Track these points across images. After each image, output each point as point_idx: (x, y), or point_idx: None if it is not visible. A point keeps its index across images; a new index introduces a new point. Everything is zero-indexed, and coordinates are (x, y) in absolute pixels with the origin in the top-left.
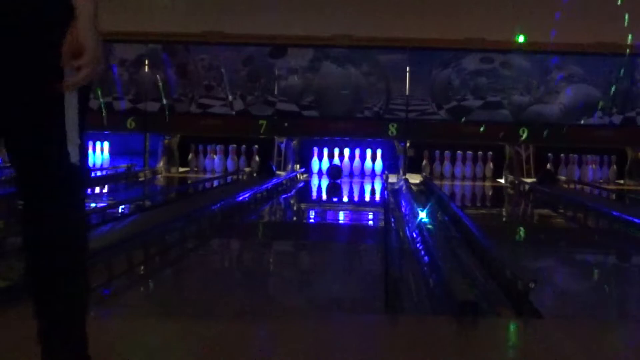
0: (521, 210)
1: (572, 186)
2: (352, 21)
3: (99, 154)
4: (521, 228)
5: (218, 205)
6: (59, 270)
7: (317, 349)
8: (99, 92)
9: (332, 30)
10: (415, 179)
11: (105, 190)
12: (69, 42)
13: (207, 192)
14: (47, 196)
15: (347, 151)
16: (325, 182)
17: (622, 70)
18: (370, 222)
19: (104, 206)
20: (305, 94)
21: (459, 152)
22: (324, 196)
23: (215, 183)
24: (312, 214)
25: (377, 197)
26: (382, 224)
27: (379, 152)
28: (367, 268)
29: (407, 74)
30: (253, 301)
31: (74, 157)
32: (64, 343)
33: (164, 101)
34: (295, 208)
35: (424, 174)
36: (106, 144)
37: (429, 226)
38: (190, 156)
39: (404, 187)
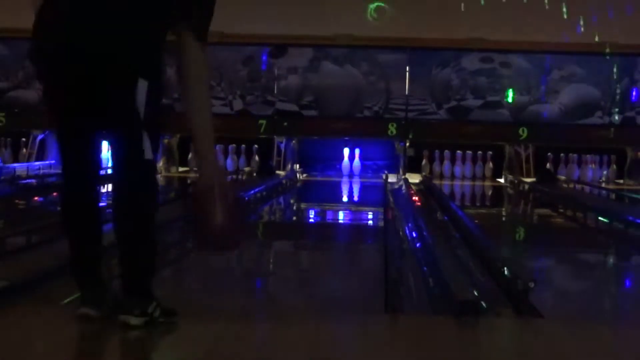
0: (521, 210)
1: (571, 186)
2: (353, 21)
3: None
4: (521, 228)
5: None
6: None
7: (317, 348)
8: None
9: (333, 29)
10: (415, 178)
11: (105, 190)
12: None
13: None
14: (124, 189)
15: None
16: (334, 183)
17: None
18: (370, 222)
19: (103, 206)
20: (305, 93)
21: (458, 151)
22: (324, 196)
23: None
24: (312, 213)
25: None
26: (381, 223)
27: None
28: (366, 268)
29: (407, 73)
30: (253, 301)
31: (148, 155)
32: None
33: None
34: (295, 208)
35: (423, 173)
36: (105, 144)
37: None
38: (190, 156)
39: (403, 187)
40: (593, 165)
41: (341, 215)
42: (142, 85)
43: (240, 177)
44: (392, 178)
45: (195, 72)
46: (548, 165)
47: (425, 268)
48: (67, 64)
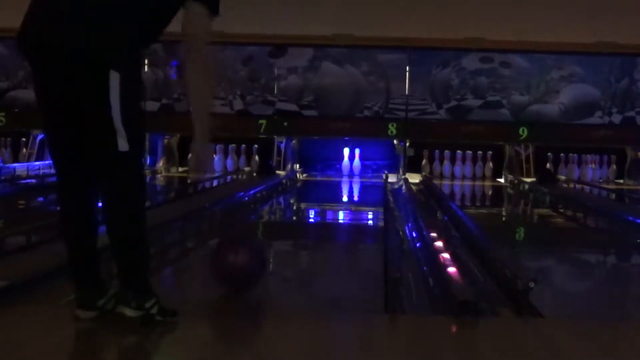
0: (521, 210)
1: (571, 186)
2: (352, 21)
3: None
4: (521, 228)
5: (218, 204)
6: (121, 236)
7: (317, 349)
8: None
9: (332, 29)
10: (415, 178)
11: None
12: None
13: (206, 192)
14: (104, 181)
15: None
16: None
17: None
18: (370, 222)
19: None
20: (305, 93)
21: (458, 151)
22: (324, 196)
23: (215, 183)
24: (312, 213)
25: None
26: (381, 223)
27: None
28: (366, 268)
29: (407, 73)
30: (253, 301)
31: (123, 147)
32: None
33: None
34: (295, 208)
35: (423, 173)
36: None
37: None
38: (189, 156)
39: (403, 187)
40: (593, 165)
41: (341, 215)
42: (115, 77)
43: (240, 177)
44: (392, 178)
45: (197, 31)
46: (548, 165)
47: (425, 268)
48: (44, 62)
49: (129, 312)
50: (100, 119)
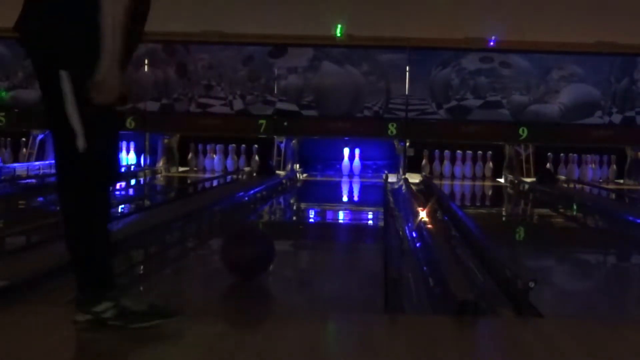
0: (521, 210)
1: (571, 186)
2: (353, 20)
3: None
4: (521, 228)
5: (218, 205)
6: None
7: (317, 349)
8: None
9: (332, 29)
10: (414, 178)
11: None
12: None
13: (206, 192)
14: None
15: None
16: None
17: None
18: (370, 222)
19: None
20: (305, 93)
21: (458, 151)
22: (324, 196)
23: (215, 183)
24: (312, 213)
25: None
26: (381, 223)
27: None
28: (366, 268)
29: (407, 73)
30: (253, 301)
31: (81, 147)
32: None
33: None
34: (295, 208)
35: (423, 173)
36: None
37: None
38: (189, 156)
39: (403, 187)
40: (593, 165)
41: (341, 215)
42: (64, 76)
43: (240, 177)
44: (392, 178)
45: None
46: (548, 165)
47: (425, 268)
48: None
49: (78, 317)
50: (58, 117)
